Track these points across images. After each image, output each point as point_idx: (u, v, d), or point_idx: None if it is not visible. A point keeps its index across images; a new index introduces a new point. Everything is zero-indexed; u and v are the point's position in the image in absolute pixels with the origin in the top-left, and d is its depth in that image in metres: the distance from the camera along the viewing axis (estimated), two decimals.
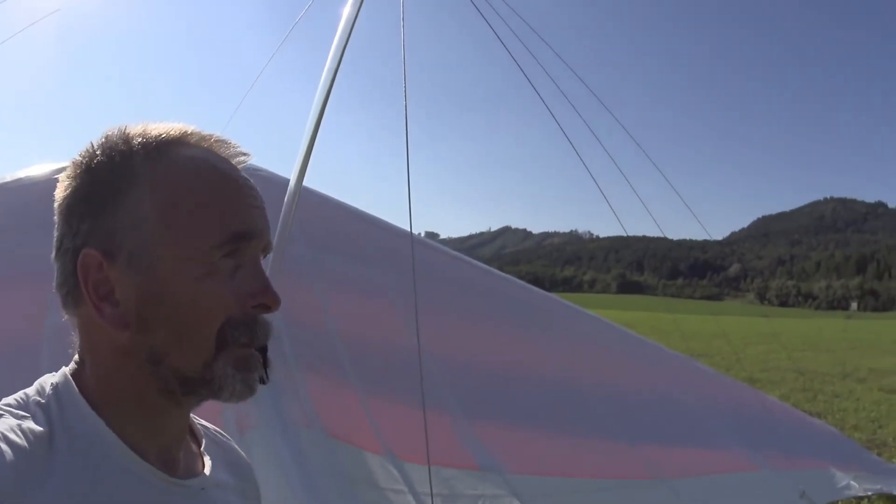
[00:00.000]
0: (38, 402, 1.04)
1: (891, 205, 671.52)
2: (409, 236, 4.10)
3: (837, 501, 4.93)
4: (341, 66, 3.52)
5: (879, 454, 9.25)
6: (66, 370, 1.11)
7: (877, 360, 23.52)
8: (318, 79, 3.53)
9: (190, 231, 1.06)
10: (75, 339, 1.13)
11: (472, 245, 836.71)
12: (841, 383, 17.18)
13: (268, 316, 1.15)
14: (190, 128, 1.16)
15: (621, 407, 4.26)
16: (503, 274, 4.91)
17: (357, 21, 3.56)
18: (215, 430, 1.40)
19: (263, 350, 1.14)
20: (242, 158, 1.20)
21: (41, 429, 0.99)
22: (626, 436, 4.16)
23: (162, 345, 1.06)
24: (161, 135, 1.11)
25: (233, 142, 1.20)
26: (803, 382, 16.84)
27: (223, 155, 1.17)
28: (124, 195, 1.06)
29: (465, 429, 3.80)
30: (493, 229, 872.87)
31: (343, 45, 3.53)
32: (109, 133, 1.12)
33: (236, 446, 1.44)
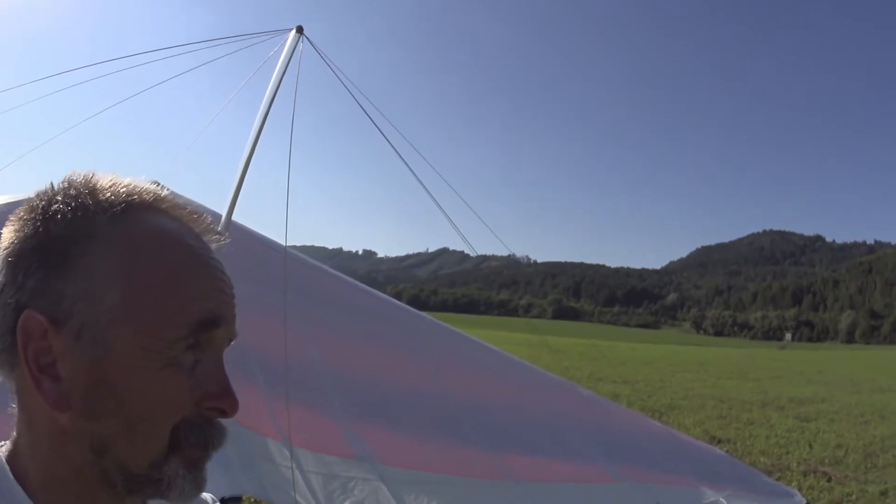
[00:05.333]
0: None
1: (828, 238, 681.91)
2: (310, 266, 4.71)
3: None
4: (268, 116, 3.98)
5: (780, 478, 9.64)
6: (0, 451, 1.00)
7: (799, 390, 24.11)
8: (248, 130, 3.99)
9: (154, 315, 0.93)
10: (13, 408, 0.98)
11: (409, 265, 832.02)
12: (759, 411, 17.57)
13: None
14: (163, 191, 1.02)
15: (486, 418, 4.58)
16: (387, 297, 5.27)
17: (285, 75, 4.01)
18: None
19: None
20: (215, 238, 1.07)
21: None
22: (487, 443, 4.52)
23: (108, 435, 0.92)
24: (132, 195, 0.98)
25: (207, 217, 1.07)
26: (721, 410, 17.23)
27: (195, 230, 1.04)
28: (81, 257, 0.92)
29: (347, 427, 4.36)
30: (430, 250, 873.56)
31: (270, 98, 3.98)
32: (73, 178, 0.98)
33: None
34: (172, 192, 1.04)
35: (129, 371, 0.91)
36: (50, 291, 0.91)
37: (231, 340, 1.04)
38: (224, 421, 1.01)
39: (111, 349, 0.90)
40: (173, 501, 0.97)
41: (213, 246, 1.06)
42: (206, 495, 1.27)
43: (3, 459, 0.96)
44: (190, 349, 0.95)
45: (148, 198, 0.99)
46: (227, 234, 1.11)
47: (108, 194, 0.96)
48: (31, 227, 0.93)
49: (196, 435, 0.96)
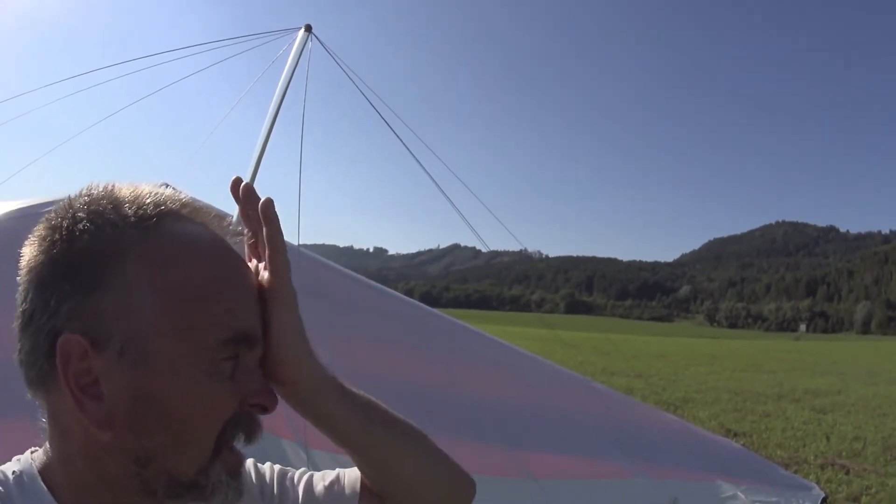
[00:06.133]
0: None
1: (842, 229, 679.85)
2: (326, 267, 4.68)
3: None
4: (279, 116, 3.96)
5: (797, 471, 9.48)
6: (31, 458, 1.00)
7: (814, 381, 23.84)
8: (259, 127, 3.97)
9: (195, 323, 0.92)
10: (42, 422, 0.98)
11: (421, 262, 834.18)
12: (774, 403, 17.38)
13: None
14: (185, 196, 1.02)
15: (500, 415, 4.55)
16: (399, 294, 5.24)
17: (295, 72, 3.99)
18: None
19: None
20: (238, 240, 1.08)
21: None
22: (501, 440, 4.50)
23: (154, 448, 0.93)
24: (160, 205, 0.96)
25: (230, 217, 1.10)
26: (736, 402, 17.07)
27: (219, 233, 1.03)
28: (114, 274, 0.90)
29: None
30: (441, 246, 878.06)
31: (280, 97, 3.96)
32: (93, 192, 0.96)
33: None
34: (190, 195, 1.04)
35: (173, 383, 0.91)
36: (87, 312, 0.89)
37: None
38: None
39: (155, 363, 0.90)
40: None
41: (235, 246, 1.06)
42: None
43: (36, 471, 0.97)
44: (229, 359, 0.96)
45: (174, 206, 0.98)
46: (248, 233, 1.11)
47: (135, 207, 0.94)
48: (58, 249, 0.91)
49: (240, 429, 0.99)
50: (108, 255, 0.90)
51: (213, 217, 1.03)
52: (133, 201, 0.95)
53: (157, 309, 0.90)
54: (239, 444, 1.01)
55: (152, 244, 0.92)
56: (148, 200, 0.95)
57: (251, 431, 1.01)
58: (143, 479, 0.94)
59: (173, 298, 0.91)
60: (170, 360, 0.91)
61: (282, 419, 4.26)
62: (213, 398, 0.94)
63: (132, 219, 0.93)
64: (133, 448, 0.92)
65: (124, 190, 0.97)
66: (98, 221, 0.91)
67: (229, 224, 1.06)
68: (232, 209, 3.76)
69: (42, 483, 0.95)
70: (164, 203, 0.97)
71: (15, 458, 1.00)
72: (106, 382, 0.90)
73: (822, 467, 10.52)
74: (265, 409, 1.01)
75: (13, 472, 0.96)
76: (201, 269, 0.95)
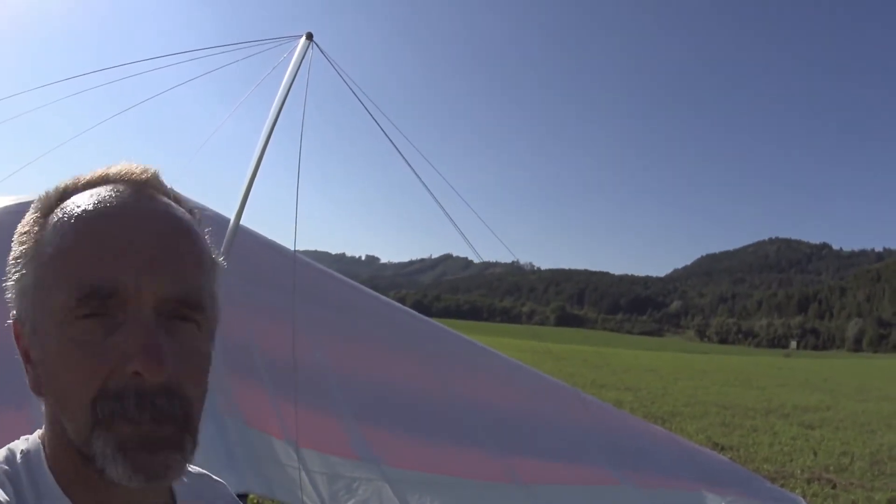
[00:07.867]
0: (5, 471, 0.95)
1: (835, 246, 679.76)
2: (317, 270, 4.74)
3: None
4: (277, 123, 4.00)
5: (783, 485, 9.53)
6: (38, 437, 1.02)
7: (804, 397, 23.98)
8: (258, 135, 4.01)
9: (49, 289, 0.92)
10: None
11: (413, 271, 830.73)
12: (763, 418, 17.47)
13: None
14: (111, 169, 1.01)
15: (490, 421, 4.61)
16: (393, 301, 5.30)
17: (296, 76, 4.04)
18: (198, 472, 1.20)
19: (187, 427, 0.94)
20: (143, 177, 1.01)
21: (7, 500, 0.90)
22: (491, 445, 4.54)
23: (54, 413, 0.95)
24: (69, 184, 1.01)
25: (134, 166, 1.01)
26: (724, 417, 17.15)
27: (125, 188, 0.98)
28: (27, 261, 0.97)
29: (353, 429, 4.38)
30: (434, 256, 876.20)
31: (280, 104, 4.00)
32: (43, 193, 1.01)
33: (222, 484, 1.25)
34: (116, 166, 1.03)
35: (45, 347, 0.94)
36: (16, 297, 0.99)
37: (170, 301, 0.93)
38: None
39: (33, 328, 0.96)
40: (120, 482, 0.89)
41: (158, 201, 1.00)
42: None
43: (42, 450, 1.00)
44: (94, 316, 0.90)
45: (78, 183, 1.01)
46: (171, 187, 1.05)
47: (44, 198, 1.01)
48: (12, 248, 1.00)
49: (120, 405, 0.88)
50: (27, 248, 0.97)
51: (112, 174, 1.01)
52: (46, 196, 1.01)
53: (31, 279, 0.96)
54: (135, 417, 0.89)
55: (44, 224, 0.98)
56: (62, 186, 1.02)
57: (141, 406, 0.89)
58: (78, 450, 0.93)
59: (39, 268, 0.95)
60: (37, 325, 0.94)
61: (273, 418, 4.31)
62: (71, 364, 0.90)
63: (40, 209, 1.00)
64: (51, 414, 0.97)
65: (64, 182, 1.03)
66: (27, 222, 1.00)
67: (129, 171, 1.01)
68: (229, 212, 3.79)
69: (45, 462, 0.98)
70: (72, 184, 1.02)
71: (23, 438, 1.04)
72: (31, 351, 0.97)
73: (809, 481, 10.59)
74: (141, 376, 0.89)
75: (21, 451, 0.99)
76: (60, 232, 0.94)
